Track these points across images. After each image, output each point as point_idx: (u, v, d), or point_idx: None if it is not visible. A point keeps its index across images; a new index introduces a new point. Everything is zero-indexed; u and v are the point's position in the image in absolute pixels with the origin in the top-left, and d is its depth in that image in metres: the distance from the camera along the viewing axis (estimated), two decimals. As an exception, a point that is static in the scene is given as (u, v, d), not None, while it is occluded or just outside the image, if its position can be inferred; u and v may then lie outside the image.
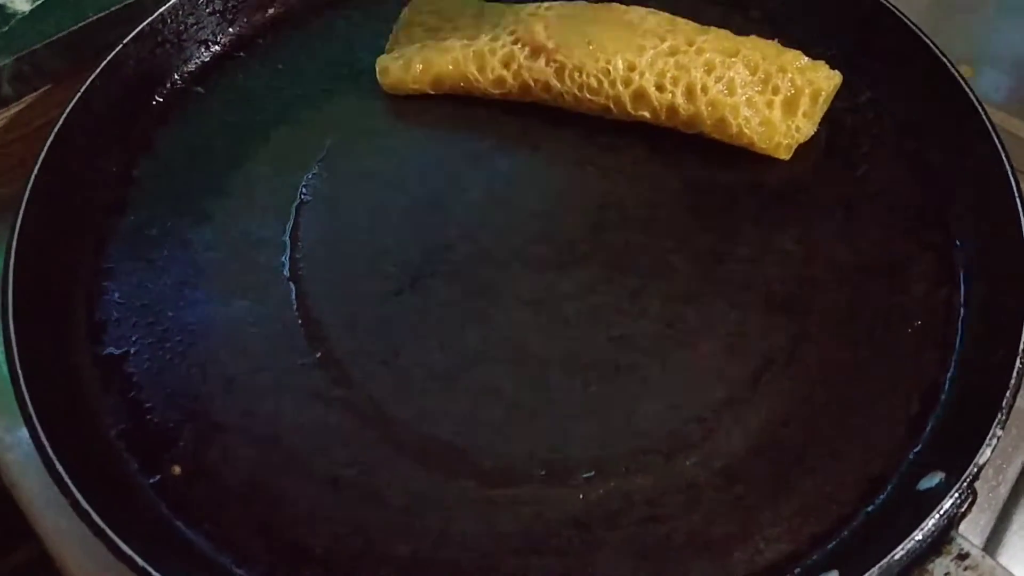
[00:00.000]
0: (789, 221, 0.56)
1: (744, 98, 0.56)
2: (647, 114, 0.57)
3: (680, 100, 0.56)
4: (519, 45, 0.59)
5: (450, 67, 0.60)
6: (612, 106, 0.58)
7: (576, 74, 0.57)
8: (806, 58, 0.57)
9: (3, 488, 0.53)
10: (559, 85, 0.58)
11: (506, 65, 0.59)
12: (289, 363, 0.51)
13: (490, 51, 0.59)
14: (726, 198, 0.57)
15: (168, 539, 0.45)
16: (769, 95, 0.56)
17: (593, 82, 0.57)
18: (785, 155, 0.57)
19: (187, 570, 0.43)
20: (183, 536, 0.46)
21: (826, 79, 0.57)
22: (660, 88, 0.56)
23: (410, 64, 0.61)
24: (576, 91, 0.58)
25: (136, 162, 0.60)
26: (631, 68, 0.56)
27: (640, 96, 0.57)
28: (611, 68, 0.57)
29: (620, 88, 0.57)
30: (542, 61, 0.58)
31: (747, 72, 0.56)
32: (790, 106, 0.56)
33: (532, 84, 0.59)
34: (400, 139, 0.61)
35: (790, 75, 0.56)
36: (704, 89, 0.56)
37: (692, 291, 0.53)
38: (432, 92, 0.61)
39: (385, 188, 0.58)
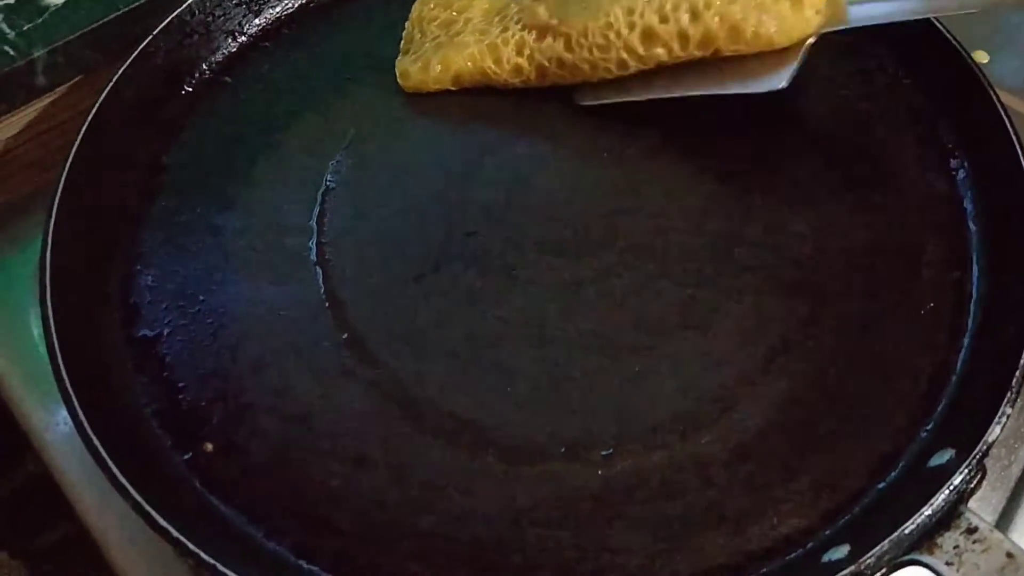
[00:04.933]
0: (802, 206, 0.56)
1: (752, 2, 0.54)
2: (661, 50, 0.56)
3: (686, 24, 0.55)
4: (527, 31, 0.60)
5: (468, 64, 0.61)
6: (627, 57, 0.57)
7: (583, 39, 0.57)
8: None
9: (44, 466, 0.54)
10: (570, 56, 0.58)
11: (519, 52, 0.60)
12: (316, 344, 0.52)
13: (503, 42, 0.60)
14: (740, 183, 0.57)
15: (201, 512, 0.47)
16: None
17: (600, 40, 0.57)
18: (803, 39, 0.53)
19: (219, 542, 0.44)
20: (215, 509, 0.47)
21: None
22: (664, 20, 0.55)
23: (428, 65, 0.62)
24: (587, 55, 0.58)
25: (167, 150, 0.61)
26: (631, 12, 0.56)
27: (648, 35, 0.56)
28: (612, 20, 0.56)
29: (626, 34, 0.56)
30: (550, 39, 0.58)
31: None
32: (796, 3, 0.53)
33: (547, 64, 0.59)
34: (421, 127, 0.62)
35: None
36: (707, 5, 0.54)
37: (706, 274, 0.54)
38: (453, 88, 0.62)
39: (407, 174, 0.59)
